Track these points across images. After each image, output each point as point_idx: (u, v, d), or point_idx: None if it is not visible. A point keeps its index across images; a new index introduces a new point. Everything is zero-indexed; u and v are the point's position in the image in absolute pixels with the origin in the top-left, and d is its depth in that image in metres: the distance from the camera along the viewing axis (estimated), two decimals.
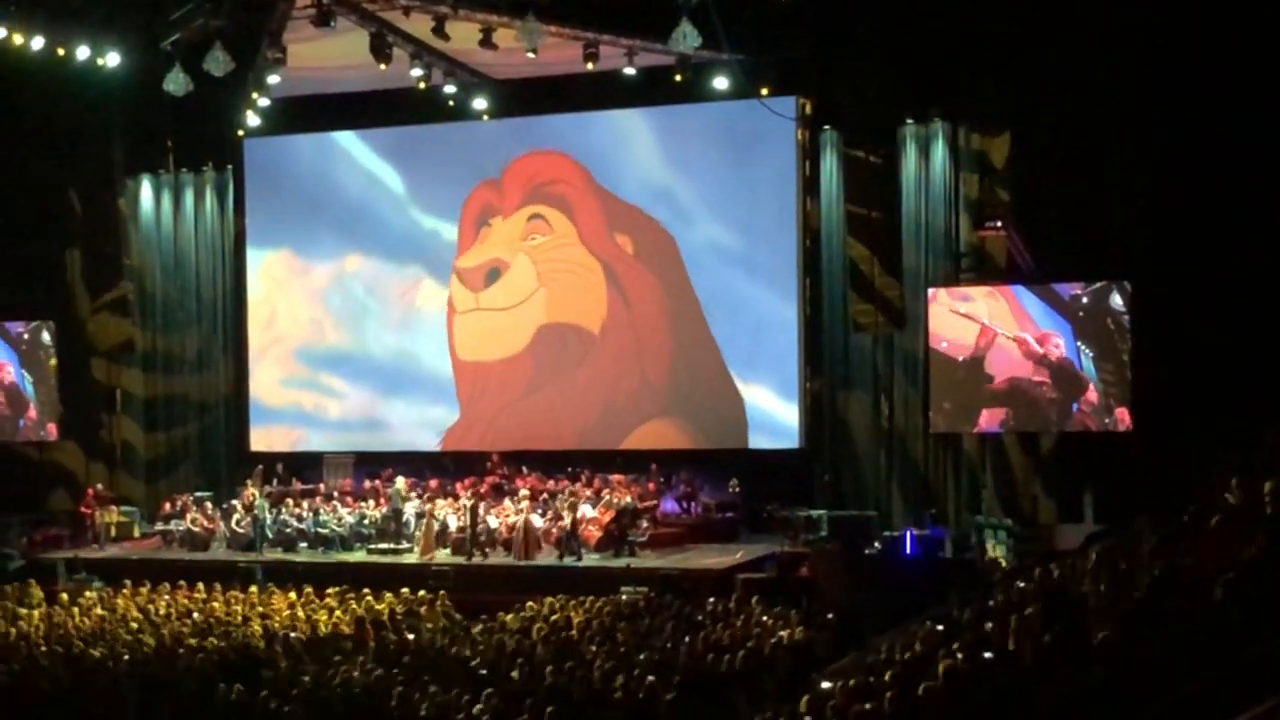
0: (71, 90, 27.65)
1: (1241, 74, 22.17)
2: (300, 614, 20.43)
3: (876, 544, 24.22)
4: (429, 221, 30.53)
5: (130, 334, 31.01)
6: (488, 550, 25.55)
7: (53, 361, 30.31)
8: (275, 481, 28.98)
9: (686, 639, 17.13)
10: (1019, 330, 24.23)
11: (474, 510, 25.78)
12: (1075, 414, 23.99)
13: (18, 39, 25.05)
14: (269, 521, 26.88)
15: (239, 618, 20.12)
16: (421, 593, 21.87)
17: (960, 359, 24.64)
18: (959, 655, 12.28)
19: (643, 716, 13.86)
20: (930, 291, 25.34)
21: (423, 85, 27.10)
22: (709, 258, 28.53)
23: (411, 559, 25.57)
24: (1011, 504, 24.94)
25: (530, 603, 20.66)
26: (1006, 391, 24.32)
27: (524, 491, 26.39)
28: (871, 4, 24.80)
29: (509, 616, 19.84)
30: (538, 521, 25.72)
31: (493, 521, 25.86)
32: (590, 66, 25.71)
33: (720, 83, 26.13)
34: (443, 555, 25.54)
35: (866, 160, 26.32)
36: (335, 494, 28.18)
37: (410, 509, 26.49)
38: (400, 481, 27.33)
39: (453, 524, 25.98)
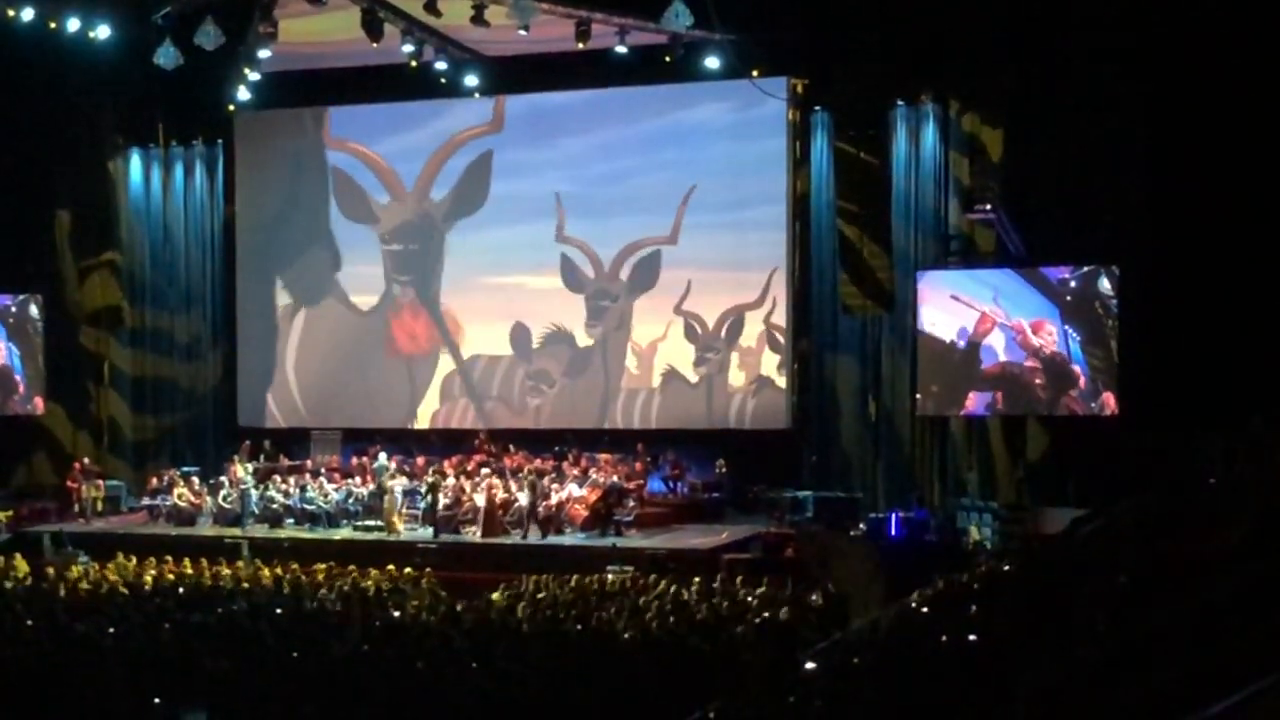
0: (62, 63, 27.56)
1: (1235, 59, 22.18)
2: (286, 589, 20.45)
3: (862, 525, 24.28)
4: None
5: (118, 300, 30.91)
6: (455, 528, 25.59)
7: (40, 323, 30.26)
8: (262, 457, 28.98)
9: (672, 619, 17.16)
10: (1016, 317, 24.22)
11: (434, 488, 25.82)
12: (1062, 400, 24.02)
13: (9, 11, 24.96)
14: (255, 497, 26.88)
15: (226, 592, 20.12)
16: (408, 570, 21.88)
17: (950, 340, 24.64)
18: (943, 637, 12.31)
19: (627, 696, 13.90)
20: (920, 275, 25.35)
21: (414, 63, 27.02)
22: (699, 239, 28.52)
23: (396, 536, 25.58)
24: (997, 487, 25.00)
25: (516, 581, 20.69)
26: (998, 375, 24.35)
27: (485, 470, 26.48)
28: None
29: (495, 595, 19.87)
30: (523, 499, 25.78)
31: (479, 499, 25.85)
32: (581, 45, 25.64)
33: (712, 62, 26.08)
34: (423, 532, 25.59)
35: (857, 142, 26.30)
36: (322, 470, 28.17)
37: (396, 486, 26.46)
38: (383, 458, 27.32)
39: (442, 501, 25.96)
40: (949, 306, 24.61)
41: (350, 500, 26.74)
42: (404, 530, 25.72)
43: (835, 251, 26.78)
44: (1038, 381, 24.13)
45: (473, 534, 25.40)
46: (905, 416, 26.44)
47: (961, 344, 24.56)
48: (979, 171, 25.42)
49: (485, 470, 26.47)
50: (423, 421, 30.34)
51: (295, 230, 31.27)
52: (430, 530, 25.57)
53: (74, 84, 28.81)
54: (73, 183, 30.63)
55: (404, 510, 26.16)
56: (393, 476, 26.73)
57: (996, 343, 24.37)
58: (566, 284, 29.32)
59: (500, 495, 25.78)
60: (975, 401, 24.71)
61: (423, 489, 26.36)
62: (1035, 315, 24.11)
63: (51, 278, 30.78)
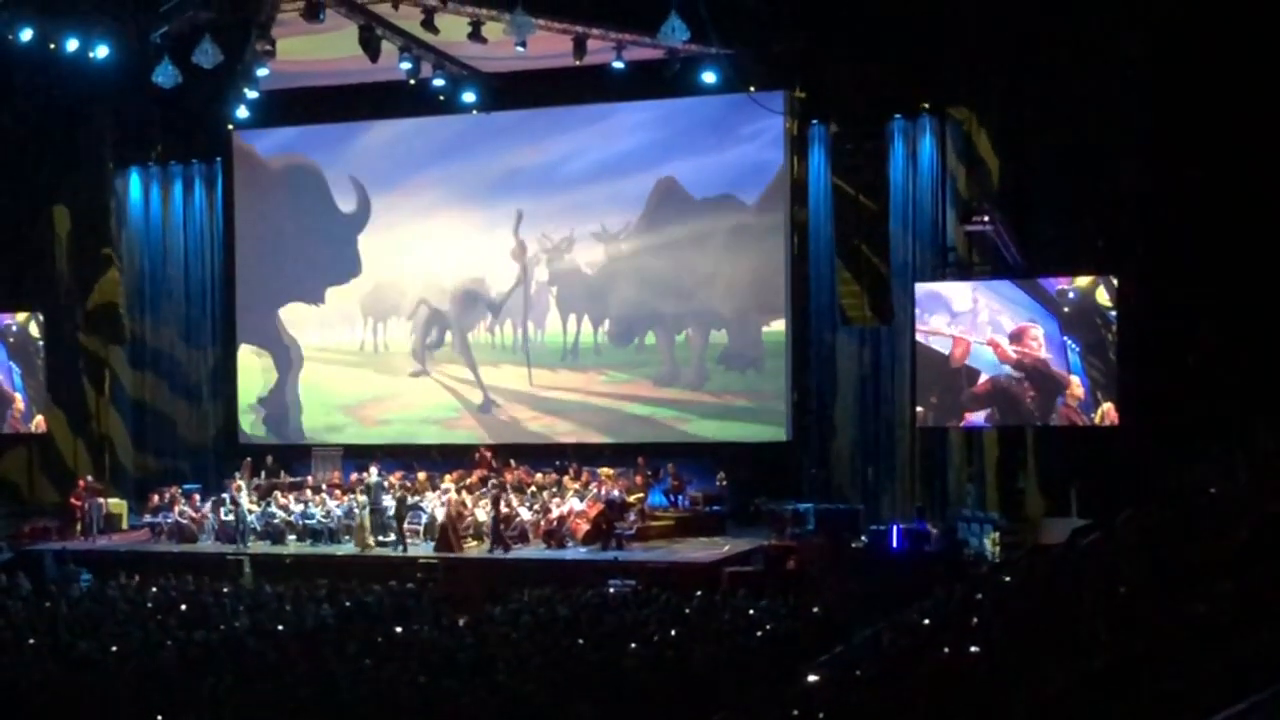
0: (61, 82, 27.64)
1: (1232, 70, 22.22)
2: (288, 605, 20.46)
3: (863, 537, 24.27)
4: None
5: (119, 318, 30.90)
6: (410, 542, 25.76)
7: (41, 341, 30.30)
8: (264, 474, 28.97)
9: (673, 632, 17.17)
10: (992, 333, 24.18)
11: (401, 502, 25.93)
12: (1060, 408, 23.98)
13: (8, 31, 25.03)
14: (258, 513, 26.89)
15: (228, 610, 20.13)
16: (408, 585, 21.89)
17: (947, 353, 24.61)
18: (945, 648, 12.33)
19: (630, 710, 13.91)
20: (918, 286, 25.32)
21: (412, 81, 27.07)
22: (697, 251, 28.58)
23: (399, 551, 25.58)
24: (998, 498, 25.00)
25: (518, 595, 20.71)
26: (990, 392, 24.32)
27: (447, 483, 26.58)
28: None
29: (496, 610, 19.87)
30: (525, 515, 25.85)
31: (480, 514, 25.90)
32: (578, 61, 25.68)
33: (709, 77, 26.14)
34: (425, 548, 25.62)
35: (855, 155, 26.34)
36: (324, 486, 28.17)
37: (393, 501, 26.45)
38: (373, 472, 27.24)
39: (439, 515, 25.98)
40: (931, 336, 24.57)
41: (351, 516, 26.71)
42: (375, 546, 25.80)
43: (833, 263, 26.82)
44: (1028, 394, 24.08)
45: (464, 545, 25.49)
46: (905, 428, 26.44)
47: (949, 366, 24.55)
48: (977, 183, 25.47)
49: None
50: (424, 437, 30.34)
51: (294, 247, 31.30)
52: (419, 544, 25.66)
53: (73, 103, 28.90)
54: (72, 200, 30.72)
55: (408, 525, 26.15)
56: (387, 491, 26.72)
57: (980, 360, 24.34)
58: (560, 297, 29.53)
59: (502, 510, 25.84)
60: (974, 415, 24.69)
61: (425, 504, 26.37)
62: (1021, 324, 24.05)
63: (51, 296, 30.81)
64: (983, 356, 24.29)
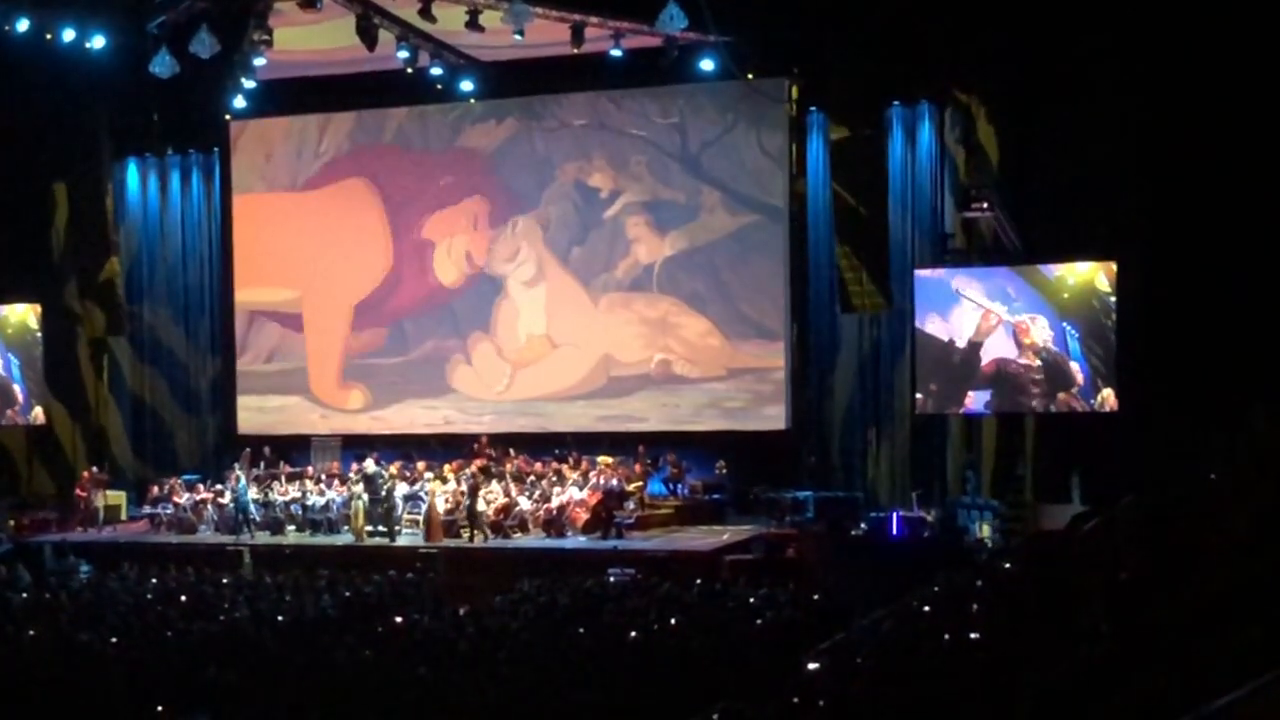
0: (58, 73, 27.61)
1: (1229, 53, 22.19)
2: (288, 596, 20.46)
3: (863, 525, 24.28)
4: None
5: (117, 310, 30.85)
6: (410, 532, 25.81)
7: (39, 333, 30.28)
8: (263, 464, 28.94)
9: (673, 620, 17.17)
10: (1015, 314, 24.12)
11: (390, 492, 25.95)
12: (1059, 398, 23.93)
13: (4, 22, 25.01)
14: (257, 503, 26.87)
15: (228, 600, 20.13)
16: (409, 575, 21.90)
17: (949, 339, 24.51)
18: (945, 636, 12.33)
19: (630, 699, 13.91)
20: (917, 273, 25.30)
21: (409, 70, 27.04)
22: (697, 240, 28.56)
23: (401, 541, 25.57)
24: (998, 484, 24.98)
25: (518, 584, 20.71)
26: (994, 374, 24.26)
27: (430, 475, 26.62)
28: None
29: (496, 599, 19.88)
30: (525, 504, 25.86)
31: (481, 504, 25.88)
32: (576, 49, 25.64)
33: (707, 64, 26.11)
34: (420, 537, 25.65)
35: (853, 142, 26.31)
36: (322, 476, 28.15)
37: (399, 492, 26.42)
38: (369, 463, 27.21)
39: (441, 506, 25.96)
40: (952, 302, 24.46)
41: (350, 506, 26.68)
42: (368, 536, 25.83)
43: (833, 251, 26.77)
44: (1035, 379, 24.00)
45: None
46: (905, 415, 26.42)
47: (961, 343, 24.43)
48: (975, 169, 25.42)
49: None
50: (424, 426, 30.34)
51: (294, 237, 31.28)
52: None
53: (70, 94, 28.84)
54: (70, 192, 30.68)
55: (408, 515, 26.15)
56: (384, 481, 26.74)
57: (997, 340, 24.26)
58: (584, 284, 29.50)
59: (500, 500, 25.86)
60: (974, 400, 24.64)
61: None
62: (1031, 313, 24.00)
63: (50, 288, 30.78)
64: (1002, 336, 24.17)
